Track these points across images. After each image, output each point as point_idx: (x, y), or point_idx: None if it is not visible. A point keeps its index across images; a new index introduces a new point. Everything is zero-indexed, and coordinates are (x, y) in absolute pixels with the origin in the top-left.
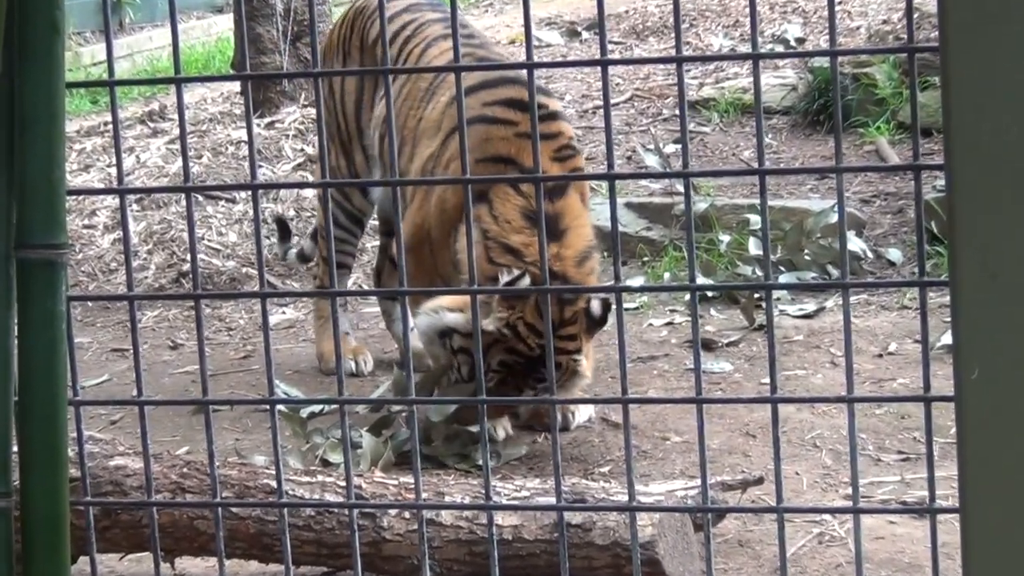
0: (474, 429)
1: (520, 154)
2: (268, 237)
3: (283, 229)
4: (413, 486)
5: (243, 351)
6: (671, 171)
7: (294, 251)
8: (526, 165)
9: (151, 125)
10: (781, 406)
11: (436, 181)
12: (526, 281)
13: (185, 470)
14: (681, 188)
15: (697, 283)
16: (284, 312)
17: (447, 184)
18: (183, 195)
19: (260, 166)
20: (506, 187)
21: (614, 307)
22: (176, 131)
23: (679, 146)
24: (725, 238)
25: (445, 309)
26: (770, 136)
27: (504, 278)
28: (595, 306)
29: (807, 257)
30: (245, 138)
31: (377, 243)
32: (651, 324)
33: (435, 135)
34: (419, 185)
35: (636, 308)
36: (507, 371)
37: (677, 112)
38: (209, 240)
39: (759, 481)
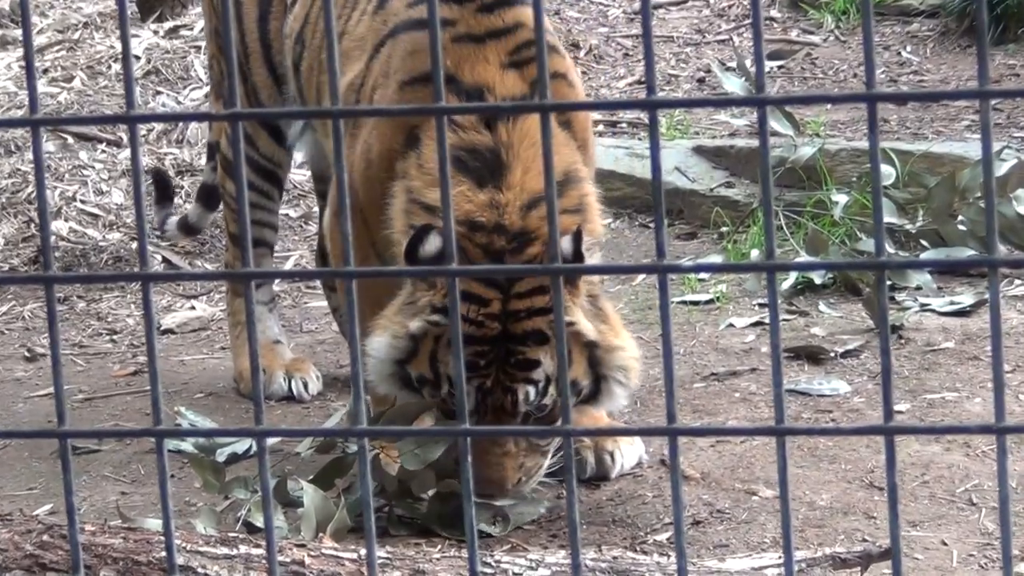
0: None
1: (461, 66)
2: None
3: (162, 187)
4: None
5: (133, 364)
6: (740, 97)
7: (175, 219)
8: (467, 81)
9: None
10: (922, 445)
11: (403, 111)
12: (433, 241)
13: (46, 537)
14: (778, 126)
15: (777, 262)
16: (193, 307)
17: (389, 116)
18: (42, 136)
19: (158, 92)
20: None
21: (586, 240)
22: (34, 42)
23: (774, 63)
24: (841, 199)
25: (373, 339)
26: (908, 49)
27: (402, 247)
28: (563, 245)
29: (961, 227)
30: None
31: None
32: (732, 325)
33: (361, 56)
34: (362, 116)
35: (710, 302)
36: (474, 373)
37: (765, 14)
38: (84, 201)
39: (887, 554)
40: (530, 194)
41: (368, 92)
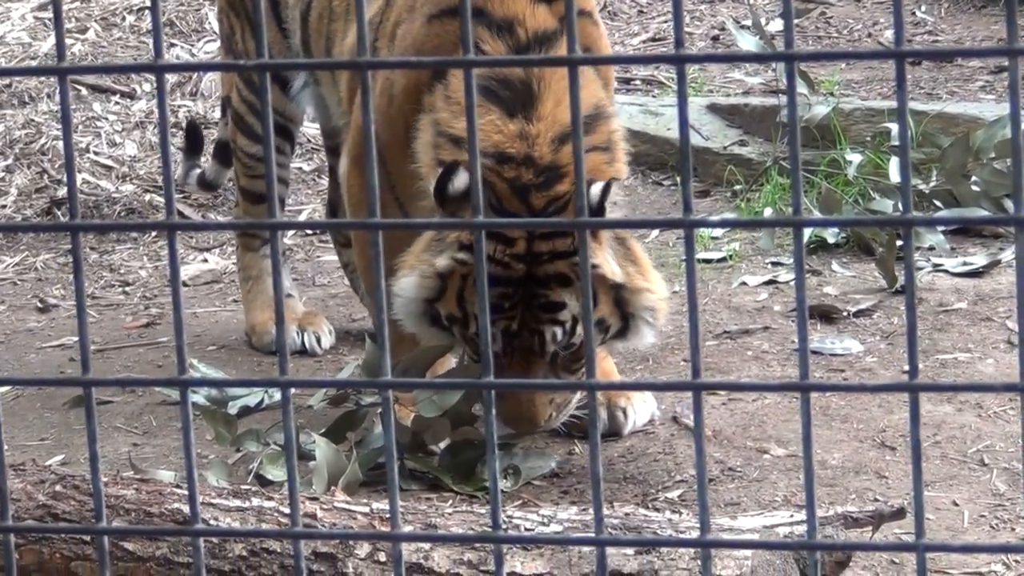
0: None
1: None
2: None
3: (193, 139)
4: (389, 513)
5: (145, 316)
6: (769, 53)
7: (196, 173)
8: (497, 13)
9: None
10: (934, 405)
11: (432, 63)
12: (462, 177)
13: (58, 487)
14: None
15: (804, 217)
16: (206, 260)
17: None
18: (56, 85)
19: (173, 44)
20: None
21: (614, 189)
22: None
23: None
24: (855, 158)
25: (401, 278)
26: (923, 9)
27: (432, 184)
28: (593, 191)
29: (975, 188)
30: (148, 1)
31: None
32: (744, 284)
33: None
34: (390, 68)
35: (722, 260)
36: (500, 315)
37: None
38: (97, 152)
39: (899, 514)
40: (562, 126)
41: (389, 28)
